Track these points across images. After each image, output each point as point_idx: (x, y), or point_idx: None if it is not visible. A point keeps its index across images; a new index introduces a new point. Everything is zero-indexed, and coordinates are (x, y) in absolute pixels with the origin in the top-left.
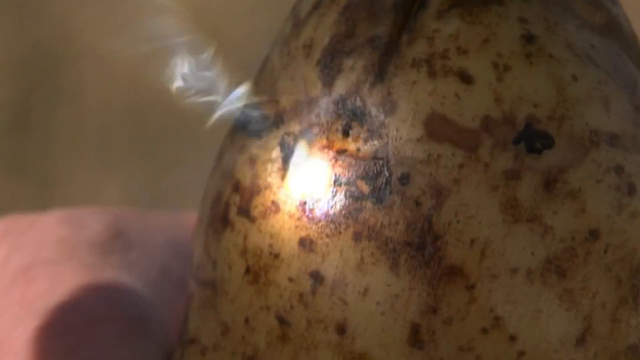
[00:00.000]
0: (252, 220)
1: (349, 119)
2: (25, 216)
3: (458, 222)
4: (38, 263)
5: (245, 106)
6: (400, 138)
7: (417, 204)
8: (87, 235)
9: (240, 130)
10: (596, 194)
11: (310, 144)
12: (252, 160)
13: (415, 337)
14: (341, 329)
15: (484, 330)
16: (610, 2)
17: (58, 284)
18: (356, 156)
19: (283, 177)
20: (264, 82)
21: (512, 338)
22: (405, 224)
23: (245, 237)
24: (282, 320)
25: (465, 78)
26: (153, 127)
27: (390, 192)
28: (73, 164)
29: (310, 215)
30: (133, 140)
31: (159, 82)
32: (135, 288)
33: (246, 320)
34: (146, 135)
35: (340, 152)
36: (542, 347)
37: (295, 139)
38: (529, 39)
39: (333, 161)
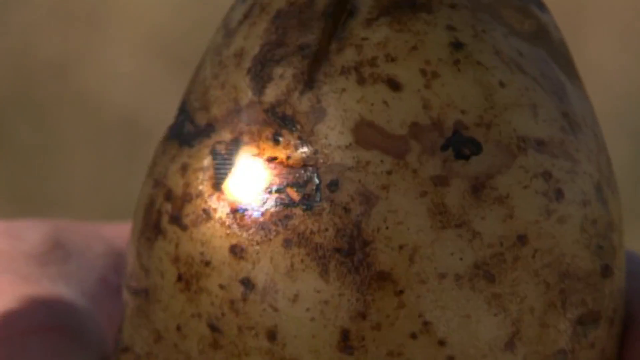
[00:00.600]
0: (184, 228)
1: (279, 127)
2: None
3: (387, 228)
4: None
5: (178, 115)
6: (329, 145)
7: (346, 210)
8: (25, 247)
9: (173, 139)
10: (524, 199)
11: (241, 152)
12: (184, 169)
13: (345, 342)
14: (272, 336)
15: (413, 335)
16: (539, 10)
17: None
18: (286, 164)
19: (214, 185)
20: (196, 91)
21: (441, 343)
22: (335, 230)
23: (177, 245)
24: (213, 328)
25: (394, 85)
26: (120, 140)
27: (319, 199)
28: (44, 178)
29: (240, 223)
30: (100, 153)
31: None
32: (72, 298)
33: (178, 328)
34: (113, 148)
35: (271, 159)
36: (471, 352)
37: (227, 147)
38: (456, 46)
39: (263, 169)
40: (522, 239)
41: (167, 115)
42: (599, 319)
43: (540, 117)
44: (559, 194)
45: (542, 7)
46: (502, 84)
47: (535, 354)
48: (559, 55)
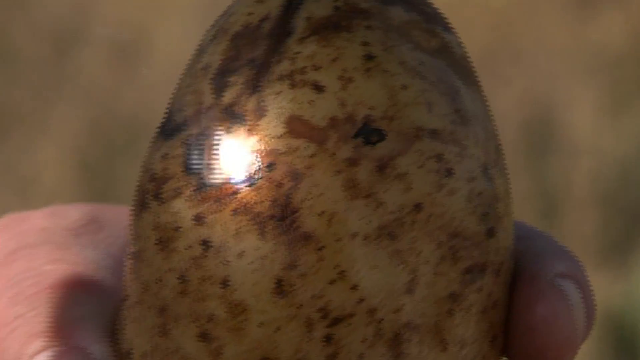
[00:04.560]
0: (161, 202)
1: (233, 122)
2: (21, 213)
3: (310, 199)
4: (21, 248)
5: (164, 116)
6: (268, 135)
7: (279, 185)
8: (65, 223)
9: (160, 134)
10: (419, 176)
11: (205, 142)
12: (164, 157)
13: (279, 288)
14: (224, 284)
15: (332, 282)
16: (444, 31)
17: (33, 262)
18: (237, 151)
19: (184, 169)
20: (176, 97)
21: (354, 287)
22: (270, 201)
23: (156, 216)
24: (182, 279)
25: (318, 88)
26: None
27: (259, 177)
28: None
29: (202, 197)
30: None
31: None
32: (97, 259)
33: (157, 280)
34: None
35: (226, 147)
36: (378, 294)
37: (194, 139)
38: (369, 57)
39: (220, 155)
40: (418, 207)
41: None
42: (485, 269)
43: (434, 112)
44: (449, 172)
45: (447, 28)
46: (404, 87)
47: (430, 295)
48: (459, 67)
